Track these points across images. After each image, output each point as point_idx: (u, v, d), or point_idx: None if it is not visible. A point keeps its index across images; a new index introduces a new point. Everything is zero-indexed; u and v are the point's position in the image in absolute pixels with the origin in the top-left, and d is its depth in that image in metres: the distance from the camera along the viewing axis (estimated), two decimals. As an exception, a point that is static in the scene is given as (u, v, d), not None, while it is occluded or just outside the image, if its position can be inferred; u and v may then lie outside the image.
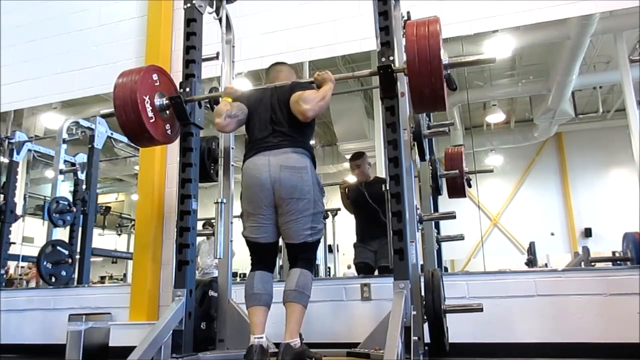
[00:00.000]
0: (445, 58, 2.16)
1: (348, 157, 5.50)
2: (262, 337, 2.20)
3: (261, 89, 2.59)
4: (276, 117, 2.44)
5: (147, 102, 2.53)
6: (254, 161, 2.38)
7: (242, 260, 4.07)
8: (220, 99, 2.60)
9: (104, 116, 2.70)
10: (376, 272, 3.50)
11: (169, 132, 2.70)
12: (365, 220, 3.63)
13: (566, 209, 5.00)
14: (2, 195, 4.65)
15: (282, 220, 2.35)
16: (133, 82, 2.49)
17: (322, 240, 4.43)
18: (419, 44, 2.11)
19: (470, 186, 3.72)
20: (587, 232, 4.65)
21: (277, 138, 2.40)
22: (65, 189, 4.93)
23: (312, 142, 2.78)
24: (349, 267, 4.64)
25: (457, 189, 3.53)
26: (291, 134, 2.40)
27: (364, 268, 3.58)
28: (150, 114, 2.53)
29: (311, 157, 2.44)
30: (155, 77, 2.63)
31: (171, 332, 2.33)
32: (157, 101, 2.60)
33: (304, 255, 2.36)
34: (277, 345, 2.36)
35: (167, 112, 2.66)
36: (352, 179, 3.86)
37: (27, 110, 4.89)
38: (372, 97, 4.94)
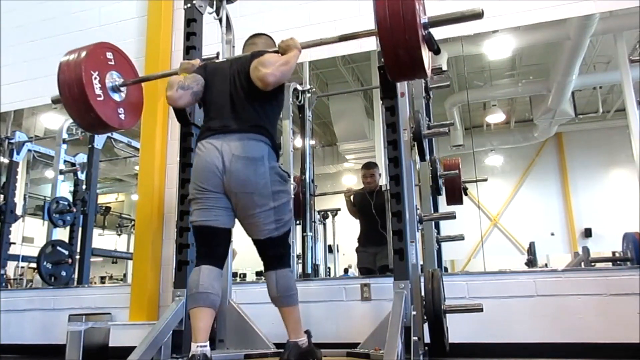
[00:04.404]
0: (422, 14, 1.89)
1: (348, 157, 5.53)
2: (206, 346, 1.96)
3: (220, 60, 2.40)
4: (235, 90, 2.21)
5: (96, 78, 2.31)
6: (206, 145, 2.15)
7: (242, 260, 4.10)
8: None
9: (54, 101, 2.50)
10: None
11: (121, 116, 2.46)
12: (368, 227, 3.83)
13: (566, 209, 5.00)
14: (2, 196, 4.65)
15: (241, 216, 2.17)
16: (79, 57, 2.28)
17: (322, 241, 4.49)
18: None
19: (466, 195, 3.83)
20: (587, 232, 4.64)
21: (233, 120, 2.16)
22: (65, 189, 4.93)
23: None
24: (349, 267, 4.65)
25: (455, 197, 3.62)
26: (251, 112, 2.17)
27: (365, 273, 3.75)
28: (98, 92, 2.31)
29: (271, 142, 2.17)
30: (109, 55, 2.44)
31: (171, 332, 2.33)
32: (110, 81, 2.41)
33: (273, 252, 2.17)
34: (278, 345, 2.37)
35: (123, 94, 2.48)
36: (350, 180, 3.95)
37: (27, 110, 4.88)
38: (372, 97, 4.93)
